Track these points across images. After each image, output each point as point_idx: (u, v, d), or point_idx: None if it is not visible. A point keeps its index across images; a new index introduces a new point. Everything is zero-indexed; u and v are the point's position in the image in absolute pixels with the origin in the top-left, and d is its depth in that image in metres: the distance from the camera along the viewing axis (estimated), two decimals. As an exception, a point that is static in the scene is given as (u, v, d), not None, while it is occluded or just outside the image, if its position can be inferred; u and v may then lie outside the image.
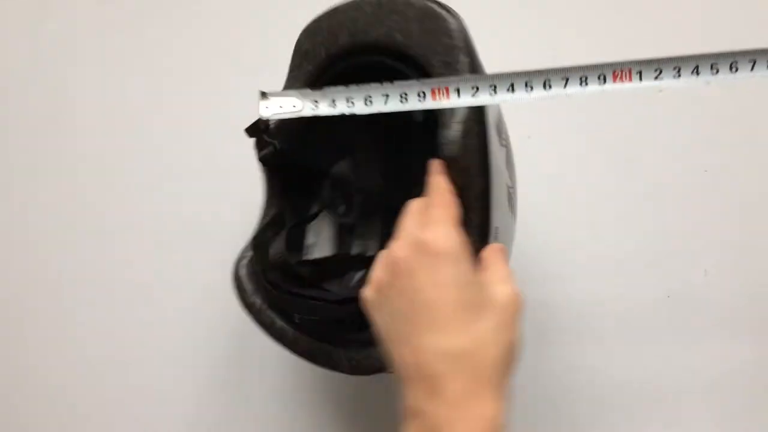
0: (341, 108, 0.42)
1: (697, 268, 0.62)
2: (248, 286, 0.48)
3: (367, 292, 0.39)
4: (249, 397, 0.64)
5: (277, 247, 0.48)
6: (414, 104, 0.40)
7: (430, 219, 0.38)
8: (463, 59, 0.42)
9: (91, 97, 0.68)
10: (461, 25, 0.43)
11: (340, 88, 0.42)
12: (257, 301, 0.48)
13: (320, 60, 0.46)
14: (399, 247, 0.37)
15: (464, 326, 0.35)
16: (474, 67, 0.42)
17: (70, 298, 0.66)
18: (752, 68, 0.37)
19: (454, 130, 0.41)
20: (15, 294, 0.67)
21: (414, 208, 0.40)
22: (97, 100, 0.68)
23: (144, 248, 0.66)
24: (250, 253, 0.49)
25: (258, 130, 0.46)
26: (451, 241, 0.36)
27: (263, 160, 0.47)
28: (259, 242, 0.49)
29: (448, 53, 0.42)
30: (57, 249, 0.67)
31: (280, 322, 0.47)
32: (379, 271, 0.38)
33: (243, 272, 0.49)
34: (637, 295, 0.63)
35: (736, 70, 0.37)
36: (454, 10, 0.43)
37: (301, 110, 0.42)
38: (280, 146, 0.47)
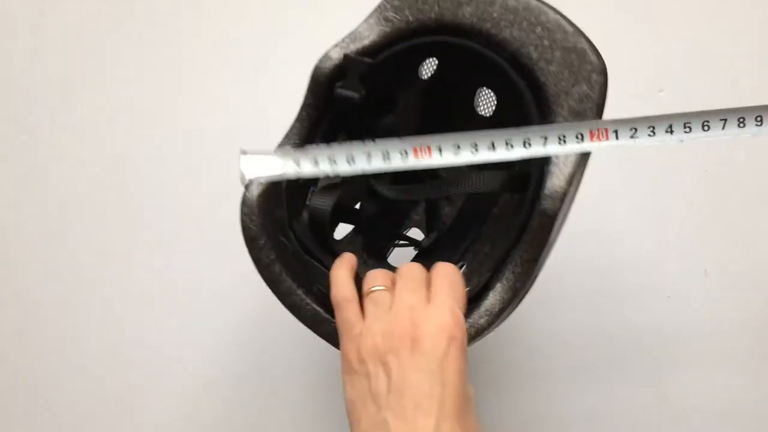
0: (324, 167, 0.41)
1: (697, 268, 0.62)
2: (261, 239, 0.44)
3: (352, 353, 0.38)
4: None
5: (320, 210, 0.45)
6: (397, 163, 0.40)
7: (427, 308, 0.37)
8: (590, 113, 0.40)
9: (94, 96, 0.68)
10: (605, 79, 0.41)
11: (322, 146, 0.41)
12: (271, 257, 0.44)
13: (404, 23, 0.43)
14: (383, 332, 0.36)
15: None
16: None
17: (91, 300, 0.66)
18: (723, 127, 0.40)
19: (558, 186, 0.40)
20: (22, 293, 0.67)
21: (415, 278, 0.39)
22: (99, 99, 0.68)
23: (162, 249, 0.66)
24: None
25: (355, 66, 0.43)
26: (442, 340, 0.36)
27: (343, 99, 0.44)
28: (318, 209, 0.45)
29: (581, 100, 0.40)
30: (58, 248, 0.67)
31: (290, 283, 0.44)
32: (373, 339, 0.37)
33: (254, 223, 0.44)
34: (638, 296, 0.63)
35: (708, 128, 0.39)
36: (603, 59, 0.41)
37: (284, 172, 0.41)
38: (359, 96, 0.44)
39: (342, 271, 0.41)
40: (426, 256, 0.51)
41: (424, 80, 0.49)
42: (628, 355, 0.63)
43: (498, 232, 0.48)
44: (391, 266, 0.52)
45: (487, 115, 0.50)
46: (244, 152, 0.42)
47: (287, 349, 0.65)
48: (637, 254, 0.62)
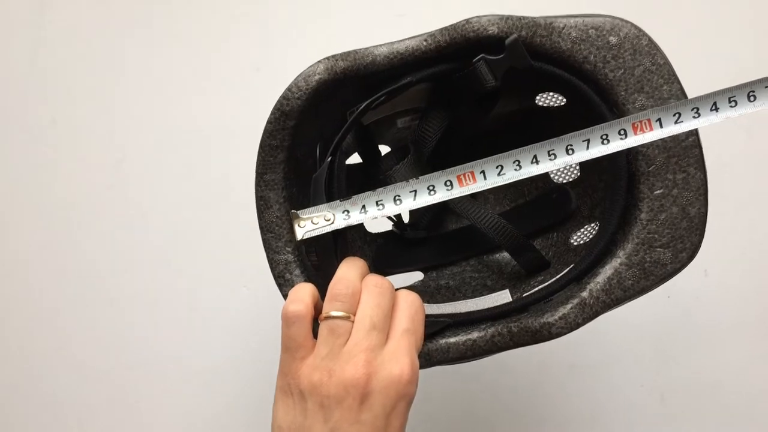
0: (372, 212, 0.39)
1: (697, 268, 0.62)
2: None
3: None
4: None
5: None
6: (443, 194, 0.39)
7: (383, 355, 0.35)
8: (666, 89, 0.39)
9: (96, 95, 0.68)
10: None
11: (368, 193, 0.39)
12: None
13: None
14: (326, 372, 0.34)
15: None
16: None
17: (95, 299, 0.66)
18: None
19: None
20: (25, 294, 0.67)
21: (380, 307, 0.36)
22: (100, 100, 0.68)
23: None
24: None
25: (516, 54, 0.39)
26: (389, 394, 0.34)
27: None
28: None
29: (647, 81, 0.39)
30: (60, 247, 0.67)
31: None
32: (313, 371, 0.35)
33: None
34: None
35: (754, 99, 0.37)
36: None
37: (332, 223, 0.39)
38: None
39: (303, 286, 0.38)
40: (398, 245, 0.50)
41: (538, 105, 0.45)
42: (628, 354, 0.63)
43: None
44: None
45: (558, 182, 0.47)
46: (296, 215, 0.39)
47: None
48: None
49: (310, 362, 0.35)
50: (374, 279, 0.37)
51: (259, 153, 0.41)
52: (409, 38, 0.40)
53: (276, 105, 0.40)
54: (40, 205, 0.67)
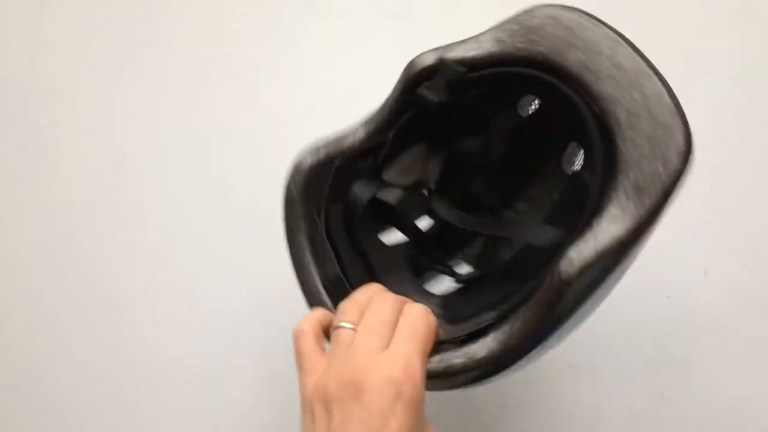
0: None
1: (697, 268, 0.62)
2: (298, 205, 0.44)
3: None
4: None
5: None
6: None
7: (381, 356, 0.35)
8: (653, 194, 0.38)
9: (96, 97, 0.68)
10: (684, 165, 0.38)
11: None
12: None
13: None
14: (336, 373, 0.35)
15: None
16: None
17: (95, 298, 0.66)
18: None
19: (584, 253, 0.37)
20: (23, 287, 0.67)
21: (381, 315, 0.37)
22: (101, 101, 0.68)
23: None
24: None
25: (446, 71, 0.43)
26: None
27: (420, 99, 0.43)
28: (355, 197, 0.45)
29: (649, 177, 0.37)
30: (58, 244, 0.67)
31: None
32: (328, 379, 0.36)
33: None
34: (638, 296, 0.63)
35: None
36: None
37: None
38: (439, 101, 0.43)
39: (314, 311, 0.40)
40: (462, 292, 0.49)
41: (522, 116, 0.47)
42: (628, 354, 0.63)
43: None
44: (425, 290, 0.50)
45: (569, 172, 0.47)
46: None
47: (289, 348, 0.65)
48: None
49: (318, 371, 0.37)
50: (379, 294, 0.39)
51: (284, 226, 0.45)
52: (368, 118, 0.45)
53: (283, 197, 0.45)
54: (40, 205, 0.67)
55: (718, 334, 0.63)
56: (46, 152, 0.67)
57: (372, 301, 0.39)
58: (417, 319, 0.38)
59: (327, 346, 0.39)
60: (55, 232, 0.66)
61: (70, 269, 0.66)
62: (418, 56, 0.43)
